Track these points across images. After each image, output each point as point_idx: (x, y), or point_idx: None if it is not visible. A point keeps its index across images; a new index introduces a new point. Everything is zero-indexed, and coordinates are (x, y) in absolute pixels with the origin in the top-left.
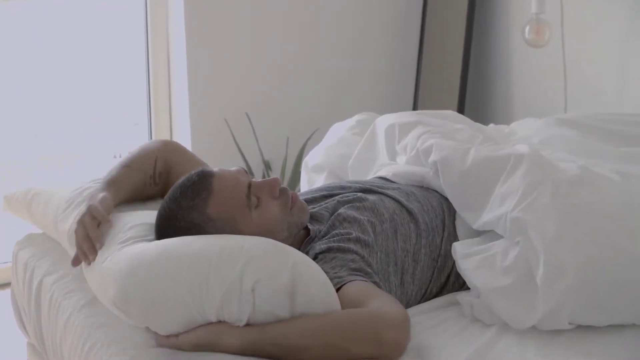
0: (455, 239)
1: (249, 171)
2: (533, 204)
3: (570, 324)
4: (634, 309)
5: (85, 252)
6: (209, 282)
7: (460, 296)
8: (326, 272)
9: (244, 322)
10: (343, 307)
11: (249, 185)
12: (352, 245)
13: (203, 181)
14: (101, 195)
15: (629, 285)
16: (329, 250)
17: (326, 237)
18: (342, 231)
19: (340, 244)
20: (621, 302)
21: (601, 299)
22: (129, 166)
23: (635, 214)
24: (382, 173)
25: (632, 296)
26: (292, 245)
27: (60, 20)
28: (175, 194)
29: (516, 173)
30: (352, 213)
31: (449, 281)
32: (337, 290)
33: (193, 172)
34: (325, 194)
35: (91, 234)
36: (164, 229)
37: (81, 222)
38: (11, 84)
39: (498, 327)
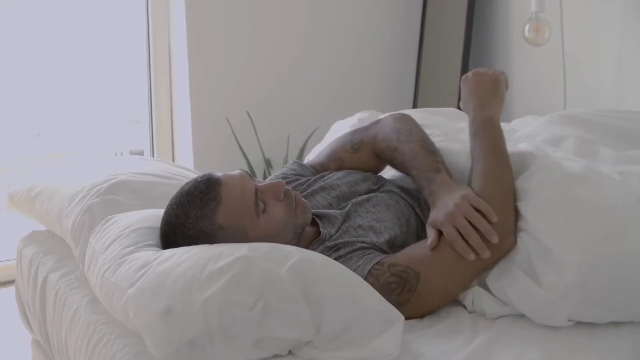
0: None
1: (250, 170)
2: (535, 201)
3: (569, 320)
4: (633, 307)
5: (474, 246)
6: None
7: (461, 295)
8: (352, 256)
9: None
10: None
11: (256, 191)
12: (367, 247)
13: (211, 190)
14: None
15: (629, 283)
16: (352, 250)
17: (341, 245)
18: (355, 240)
19: (359, 245)
20: (621, 299)
21: (601, 295)
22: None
23: (635, 211)
24: (388, 175)
25: (632, 294)
26: (298, 245)
27: (60, 19)
28: (182, 202)
29: (521, 173)
30: (368, 221)
31: None
32: (368, 272)
33: (199, 178)
34: (340, 195)
35: (481, 228)
36: (172, 237)
37: (467, 213)
38: (12, 83)
39: (499, 324)
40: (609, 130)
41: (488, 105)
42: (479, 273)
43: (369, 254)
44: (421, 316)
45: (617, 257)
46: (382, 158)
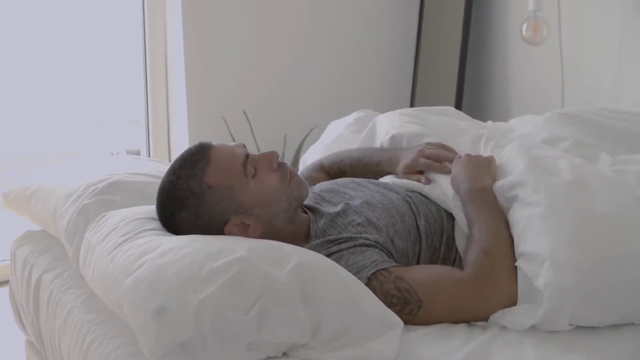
0: (454, 244)
1: None
2: (532, 207)
3: (569, 325)
4: (632, 308)
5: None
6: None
7: None
8: (352, 261)
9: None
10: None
11: (246, 156)
12: (371, 244)
13: (201, 152)
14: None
15: (629, 283)
16: (355, 245)
17: (343, 240)
18: (357, 236)
19: (361, 242)
20: (621, 300)
21: (601, 297)
22: None
23: (630, 210)
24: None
25: (631, 295)
26: (294, 222)
27: (56, 19)
28: (174, 166)
29: (517, 195)
30: (364, 217)
31: None
32: (372, 274)
33: (192, 146)
34: (333, 190)
35: (445, 156)
36: (164, 200)
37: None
38: (8, 82)
39: (496, 326)
40: (608, 132)
41: (482, 178)
42: (480, 318)
43: (376, 253)
44: None
45: (617, 258)
46: (333, 172)
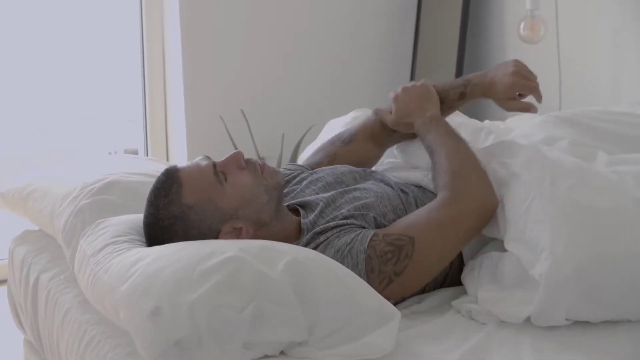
0: None
1: None
2: (535, 191)
3: (566, 319)
4: (629, 305)
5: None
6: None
7: (456, 302)
8: (339, 243)
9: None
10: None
11: (214, 165)
12: (357, 227)
13: (170, 177)
14: None
15: (626, 281)
16: (341, 231)
17: (329, 228)
18: (344, 222)
19: (348, 229)
20: (618, 298)
21: (598, 293)
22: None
23: (630, 210)
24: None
25: (628, 292)
26: (285, 232)
27: (55, 17)
28: (150, 199)
29: (520, 176)
30: (353, 207)
31: (446, 281)
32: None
33: (159, 175)
34: (329, 183)
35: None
36: (153, 235)
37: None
38: (7, 82)
39: (494, 323)
40: (605, 134)
41: (427, 108)
42: (470, 236)
43: (361, 229)
44: (420, 285)
45: (616, 257)
46: (385, 129)
